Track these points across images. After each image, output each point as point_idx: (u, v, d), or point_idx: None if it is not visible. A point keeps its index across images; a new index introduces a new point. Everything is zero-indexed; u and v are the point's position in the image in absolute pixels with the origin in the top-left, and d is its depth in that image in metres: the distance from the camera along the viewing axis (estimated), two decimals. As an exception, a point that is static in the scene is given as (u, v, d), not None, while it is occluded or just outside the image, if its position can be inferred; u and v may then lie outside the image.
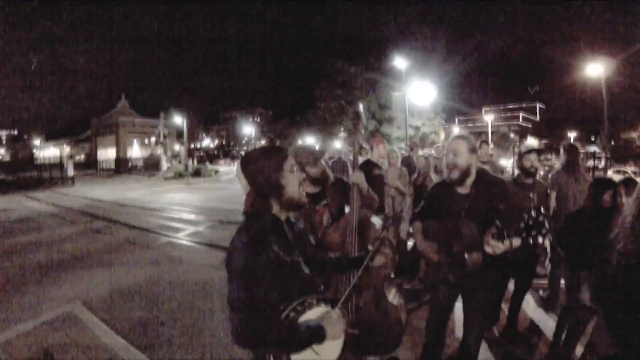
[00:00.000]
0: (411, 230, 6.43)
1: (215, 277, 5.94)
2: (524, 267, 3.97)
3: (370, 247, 2.04)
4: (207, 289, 5.54)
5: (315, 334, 1.56)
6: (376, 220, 3.01)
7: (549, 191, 4.51)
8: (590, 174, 10.93)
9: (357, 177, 2.90)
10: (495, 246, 2.34)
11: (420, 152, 8.07)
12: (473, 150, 2.73)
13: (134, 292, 5.50)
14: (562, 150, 4.81)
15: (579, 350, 3.42)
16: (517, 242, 2.35)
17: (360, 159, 6.82)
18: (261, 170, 1.69)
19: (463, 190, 2.78)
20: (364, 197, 3.00)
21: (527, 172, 4.11)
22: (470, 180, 2.75)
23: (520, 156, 4.16)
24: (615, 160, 29.01)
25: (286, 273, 1.63)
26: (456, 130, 48.64)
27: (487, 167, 4.32)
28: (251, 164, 1.72)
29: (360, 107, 3.21)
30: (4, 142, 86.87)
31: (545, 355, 3.66)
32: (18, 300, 5.32)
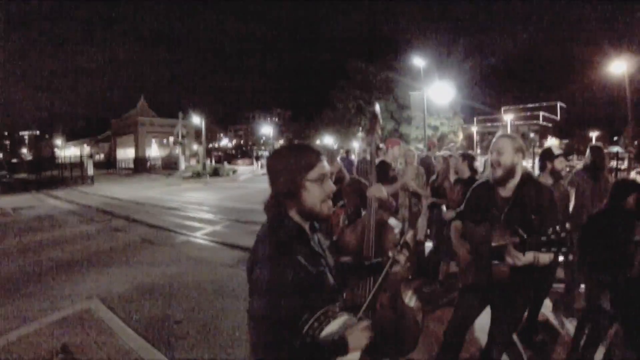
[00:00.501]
0: (424, 232, 6.39)
1: (232, 276, 5.96)
2: (543, 271, 3.88)
3: (390, 254, 1.97)
4: (224, 288, 5.55)
5: (339, 347, 1.48)
6: (393, 222, 2.97)
7: (568, 190, 4.44)
8: (613, 175, 10.72)
9: (374, 191, 2.83)
10: (515, 257, 2.25)
11: (438, 153, 7.99)
12: (519, 149, 2.62)
13: (151, 290, 5.54)
14: (588, 151, 4.74)
15: (598, 355, 3.35)
16: (545, 258, 2.28)
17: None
18: (283, 170, 1.54)
19: (505, 192, 2.67)
20: (381, 199, 2.96)
21: (557, 174, 4.07)
22: (513, 182, 2.64)
23: (553, 158, 4.06)
24: (638, 161, 28.36)
25: (312, 285, 1.51)
26: (474, 129, 48.14)
27: None
28: (276, 160, 1.59)
29: (377, 107, 3.12)
30: (27, 142, 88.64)
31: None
32: (37, 296, 5.40)
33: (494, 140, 2.75)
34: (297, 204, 1.57)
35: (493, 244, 2.44)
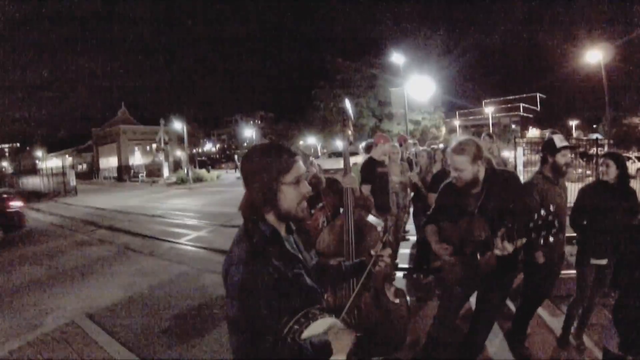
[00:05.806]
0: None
1: (217, 282, 5.89)
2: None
3: (372, 252, 1.94)
4: (210, 294, 5.52)
5: (322, 351, 1.43)
6: (374, 220, 2.96)
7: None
8: (594, 162, 10.85)
9: (348, 181, 2.84)
10: (504, 248, 2.28)
11: (421, 148, 8.02)
12: (476, 158, 2.57)
13: (136, 300, 5.48)
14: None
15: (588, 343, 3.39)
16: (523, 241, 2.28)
17: (360, 157, 6.75)
18: (257, 174, 1.50)
19: (474, 189, 2.70)
20: (358, 197, 2.96)
21: (559, 170, 3.35)
22: (479, 181, 2.67)
23: (555, 152, 3.32)
24: (618, 146, 28.85)
25: (288, 288, 1.48)
26: (457, 123, 48.46)
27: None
28: (250, 163, 1.54)
29: (346, 103, 3.09)
30: (7, 154, 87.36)
31: (554, 349, 3.60)
32: (21, 311, 5.30)
33: (448, 153, 2.73)
34: (274, 207, 1.54)
35: (477, 237, 2.45)
